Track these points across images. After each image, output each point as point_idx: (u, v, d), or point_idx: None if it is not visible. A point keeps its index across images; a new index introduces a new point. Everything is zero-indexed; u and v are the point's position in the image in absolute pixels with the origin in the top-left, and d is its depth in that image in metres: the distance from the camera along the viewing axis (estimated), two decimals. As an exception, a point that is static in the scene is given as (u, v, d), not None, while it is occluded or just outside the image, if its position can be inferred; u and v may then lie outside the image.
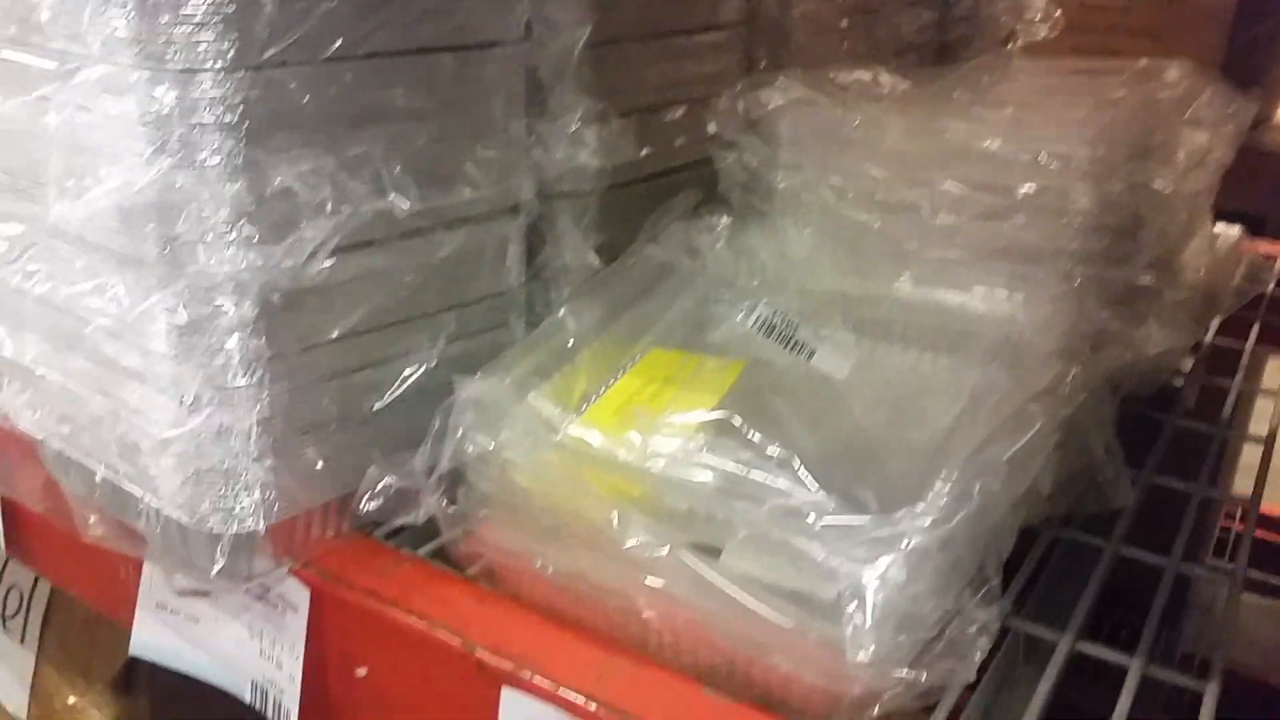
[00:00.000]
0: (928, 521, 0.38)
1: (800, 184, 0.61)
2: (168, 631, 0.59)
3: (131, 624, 0.60)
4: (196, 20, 0.41)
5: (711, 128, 0.61)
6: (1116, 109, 0.56)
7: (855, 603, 0.38)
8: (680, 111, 0.68)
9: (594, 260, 0.63)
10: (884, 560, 0.37)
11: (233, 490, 0.49)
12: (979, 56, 1.06)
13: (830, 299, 0.59)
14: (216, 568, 0.50)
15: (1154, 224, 0.57)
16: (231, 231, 0.44)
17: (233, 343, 0.45)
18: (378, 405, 0.54)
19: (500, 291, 0.59)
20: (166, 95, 0.41)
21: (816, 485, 0.43)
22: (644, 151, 0.59)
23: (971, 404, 0.47)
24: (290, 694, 0.54)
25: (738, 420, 0.49)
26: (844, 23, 0.84)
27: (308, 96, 0.45)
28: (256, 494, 0.49)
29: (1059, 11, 1.14)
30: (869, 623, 0.37)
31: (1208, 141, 0.59)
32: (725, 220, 0.61)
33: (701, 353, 0.59)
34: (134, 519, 0.54)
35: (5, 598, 0.93)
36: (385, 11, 0.47)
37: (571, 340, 0.54)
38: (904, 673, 0.39)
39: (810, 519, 0.40)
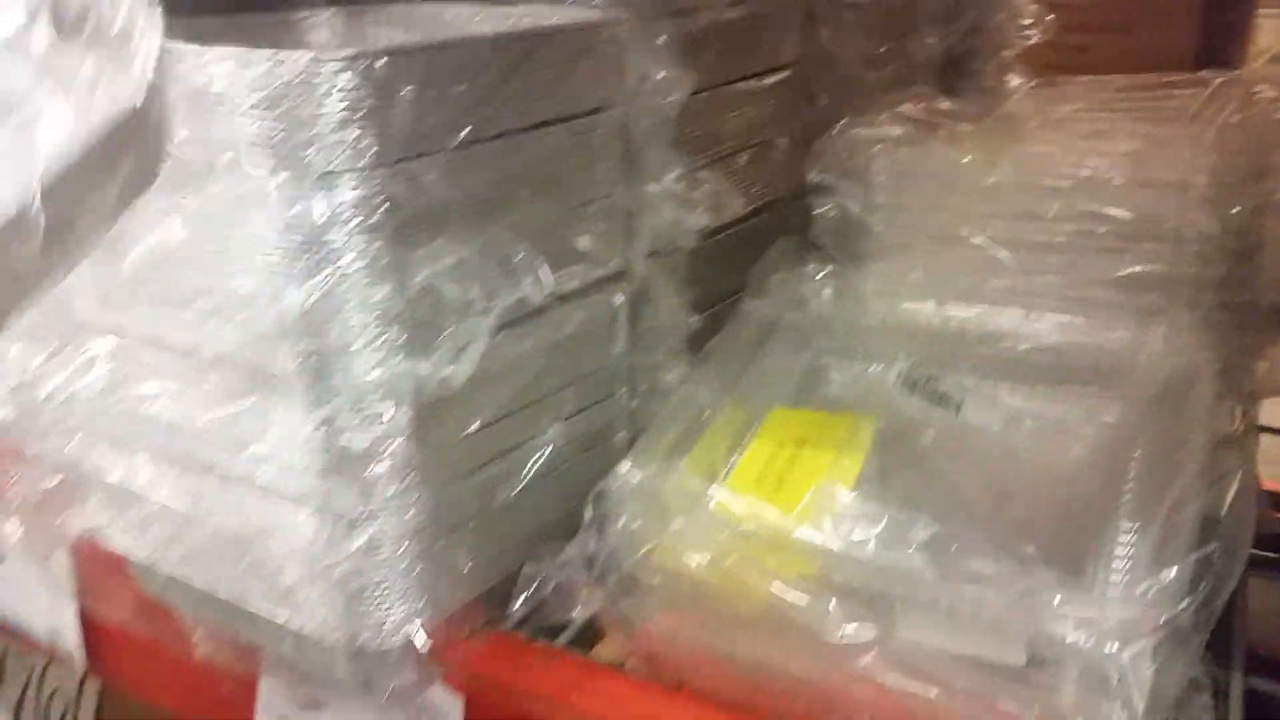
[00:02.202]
0: (1179, 599, 0.36)
1: (904, 225, 0.59)
2: (290, 747, 0.55)
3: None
4: (337, 119, 0.38)
5: (812, 174, 0.59)
6: (1229, 131, 0.56)
7: (1112, 685, 0.36)
8: (750, 156, 0.66)
9: (690, 319, 0.60)
10: (1142, 641, 0.36)
11: (385, 603, 0.45)
12: (984, 68, 1.05)
13: (950, 341, 0.58)
14: (366, 682, 0.47)
15: (1272, 245, 0.56)
16: (381, 337, 0.41)
17: (387, 452, 0.42)
18: (512, 494, 0.51)
19: (608, 362, 0.57)
20: (308, 200, 0.38)
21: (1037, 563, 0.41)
22: (746, 197, 0.57)
23: (1146, 448, 0.46)
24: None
25: (897, 482, 0.47)
26: (882, 48, 0.83)
27: (444, 187, 0.42)
28: (409, 604, 0.46)
29: (1050, 15, 1.14)
30: (1131, 706, 0.35)
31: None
32: (828, 268, 0.59)
33: (822, 407, 0.57)
34: (257, 637, 0.50)
35: (49, 702, 0.88)
36: (508, 89, 0.45)
37: (705, 413, 0.52)
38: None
39: (1052, 599, 0.38)
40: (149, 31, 0.30)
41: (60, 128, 0.29)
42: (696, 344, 0.60)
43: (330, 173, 0.39)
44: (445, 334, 0.42)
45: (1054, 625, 0.37)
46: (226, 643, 0.54)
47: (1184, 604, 0.36)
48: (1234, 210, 0.55)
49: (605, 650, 0.54)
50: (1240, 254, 0.55)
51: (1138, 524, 0.41)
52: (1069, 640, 0.37)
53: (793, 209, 0.70)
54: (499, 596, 0.53)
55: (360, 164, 0.39)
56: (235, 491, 0.46)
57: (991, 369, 0.56)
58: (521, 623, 0.55)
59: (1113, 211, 0.56)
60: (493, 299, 0.44)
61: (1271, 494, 0.78)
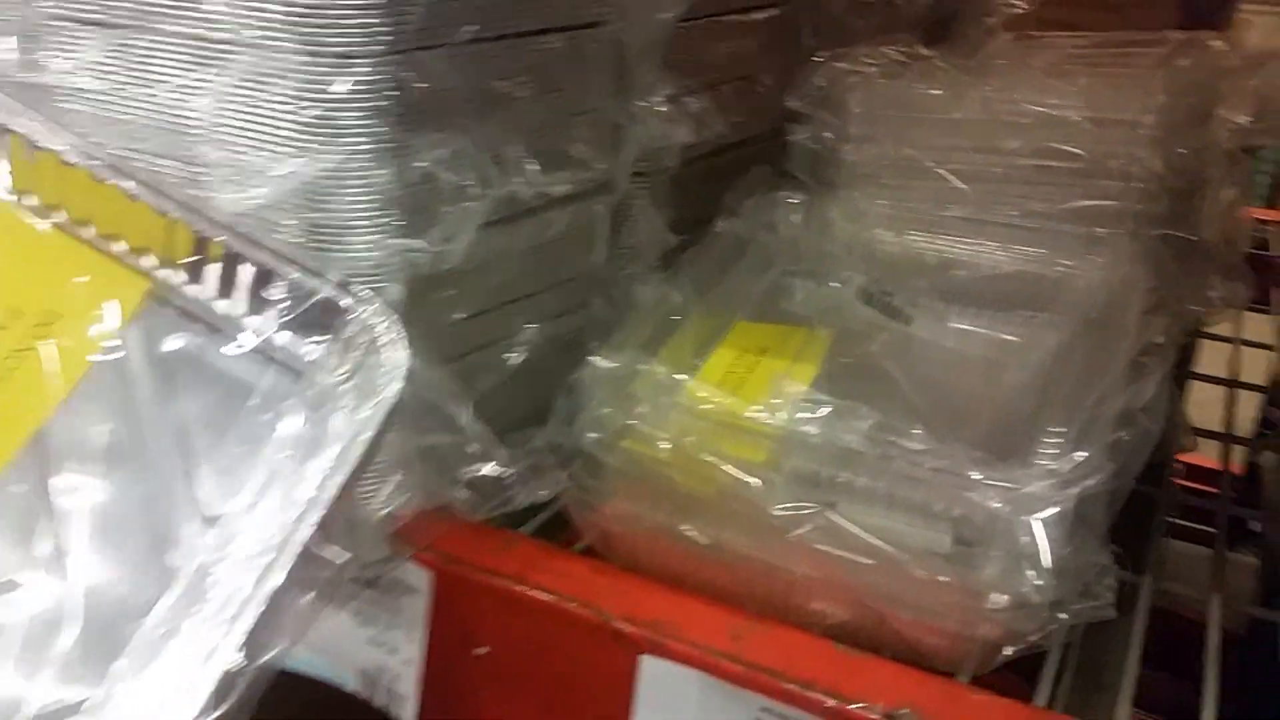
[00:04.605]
0: (1091, 473, 0.40)
1: (873, 156, 0.63)
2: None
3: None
4: (358, 5, 0.41)
5: (790, 101, 0.62)
6: (1177, 76, 0.59)
7: (1021, 550, 0.40)
8: (734, 89, 0.70)
9: (669, 238, 0.64)
10: (1051, 511, 0.40)
11: (372, 475, 0.49)
12: (967, 31, 1.09)
13: (909, 267, 0.61)
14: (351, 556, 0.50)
15: (1210, 186, 0.60)
16: (381, 216, 0.44)
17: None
18: (490, 386, 0.54)
19: (587, 271, 0.60)
20: (326, 79, 0.41)
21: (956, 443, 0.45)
22: (729, 126, 0.60)
23: (1078, 359, 0.50)
24: (407, 678, 0.55)
25: (848, 383, 0.51)
26: (871, -1, 0.86)
27: (448, 79, 0.45)
28: (393, 479, 0.49)
29: (1038, -15, 1.17)
30: (1041, 569, 0.39)
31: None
32: (800, 196, 0.63)
33: (784, 322, 0.61)
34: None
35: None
36: (514, -5, 0.48)
37: (677, 315, 0.55)
38: (1063, 615, 0.42)
39: (974, 474, 0.42)
40: None
41: None
42: (672, 264, 0.64)
43: (347, 55, 0.42)
44: (436, 219, 0.45)
45: (975, 497, 0.41)
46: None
47: (1096, 478, 0.40)
48: (1179, 151, 0.58)
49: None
50: (1181, 193, 0.59)
51: (1061, 416, 0.45)
52: (989, 507, 0.41)
53: (772, 146, 0.74)
54: (474, 484, 0.57)
55: (375, 49, 0.42)
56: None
57: (944, 294, 0.59)
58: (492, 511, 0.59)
59: (1067, 147, 0.59)
60: (485, 190, 0.47)
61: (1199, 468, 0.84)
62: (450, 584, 0.53)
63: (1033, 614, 0.43)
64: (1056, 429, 0.44)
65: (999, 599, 0.44)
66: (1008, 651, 0.45)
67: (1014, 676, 0.46)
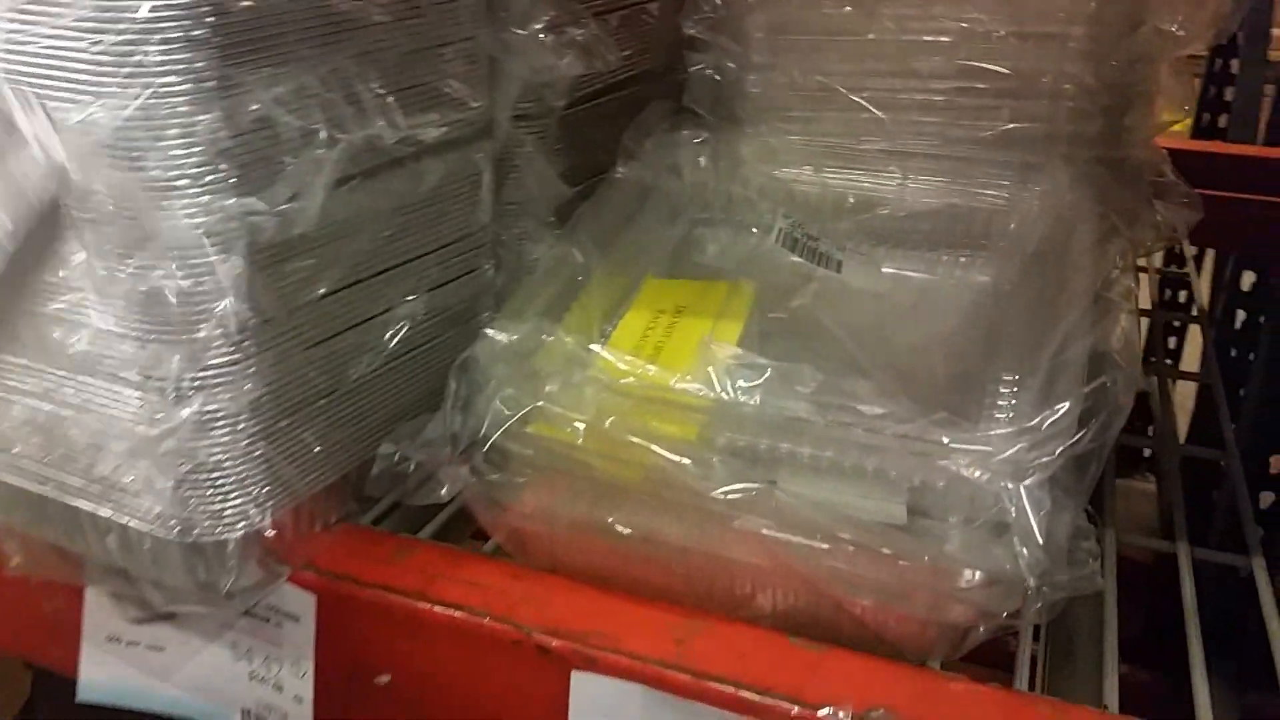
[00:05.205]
0: (1073, 433, 0.35)
1: (781, 85, 0.56)
2: (124, 667, 0.49)
3: (70, 665, 0.51)
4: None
5: (686, 25, 0.55)
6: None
7: (1008, 523, 0.35)
8: (621, 18, 0.62)
9: (563, 189, 0.56)
10: (1036, 477, 0.34)
11: (222, 490, 0.40)
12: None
13: (830, 207, 0.55)
14: (203, 583, 0.42)
15: (1143, 101, 0.56)
16: (208, 173, 0.35)
17: (218, 312, 0.37)
18: (367, 371, 0.46)
19: (472, 230, 0.52)
20: (119, 3, 0.32)
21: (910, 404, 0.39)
22: (620, 58, 0.53)
23: (1031, 299, 0.45)
24: (298, 716, 0.47)
25: (780, 342, 0.45)
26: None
27: (276, 2, 0.36)
28: (250, 490, 0.41)
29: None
30: (1031, 542, 0.34)
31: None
32: (704, 134, 0.56)
33: (699, 276, 0.55)
34: (79, 540, 0.44)
35: None
36: (350, -103, 0.39)
37: (579, 276, 0.48)
38: (1048, 590, 0.36)
39: (941, 438, 0.36)
40: None
41: None
42: (566, 219, 0.56)
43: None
44: (284, 171, 0.37)
45: (945, 465, 0.35)
46: (45, 551, 0.48)
47: (1079, 436, 0.35)
48: (1111, 64, 0.54)
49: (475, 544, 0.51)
50: (1113, 110, 0.54)
51: (1022, 366, 0.40)
52: (964, 477, 0.35)
53: (668, 81, 0.67)
54: (357, 487, 0.49)
55: (181, -39, 0.33)
56: (44, 363, 0.40)
57: (871, 235, 0.54)
58: (384, 515, 0.51)
59: (991, 66, 0.54)
60: (338, 136, 0.39)
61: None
62: (337, 605, 0.46)
63: (1010, 591, 0.38)
64: (1018, 379, 0.39)
65: (972, 576, 0.38)
66: (981, 633, 0.40)
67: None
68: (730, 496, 0.39)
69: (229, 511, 0.41)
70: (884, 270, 0.50)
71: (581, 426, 0.41)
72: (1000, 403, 0.41)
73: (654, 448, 0.41)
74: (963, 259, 0.51)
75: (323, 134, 0.38)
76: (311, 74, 0.38)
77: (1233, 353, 1.05)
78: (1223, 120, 1.33)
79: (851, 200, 0.55)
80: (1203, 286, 1.01)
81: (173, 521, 0.40)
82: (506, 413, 0.42)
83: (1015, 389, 0.40)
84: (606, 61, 0.51)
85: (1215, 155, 0.91)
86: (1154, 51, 0.55)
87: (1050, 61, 0.53)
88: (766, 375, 0.40)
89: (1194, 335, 1.25)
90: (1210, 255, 1.18)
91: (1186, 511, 0.53)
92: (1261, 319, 1.03)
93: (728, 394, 0.40)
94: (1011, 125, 0.54)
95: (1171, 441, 0.70)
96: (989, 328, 0.46)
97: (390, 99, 0.42)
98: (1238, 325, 1.05)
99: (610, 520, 0.42)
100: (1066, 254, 0.47)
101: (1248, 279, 1.05)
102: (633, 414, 0.42)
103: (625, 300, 0.52)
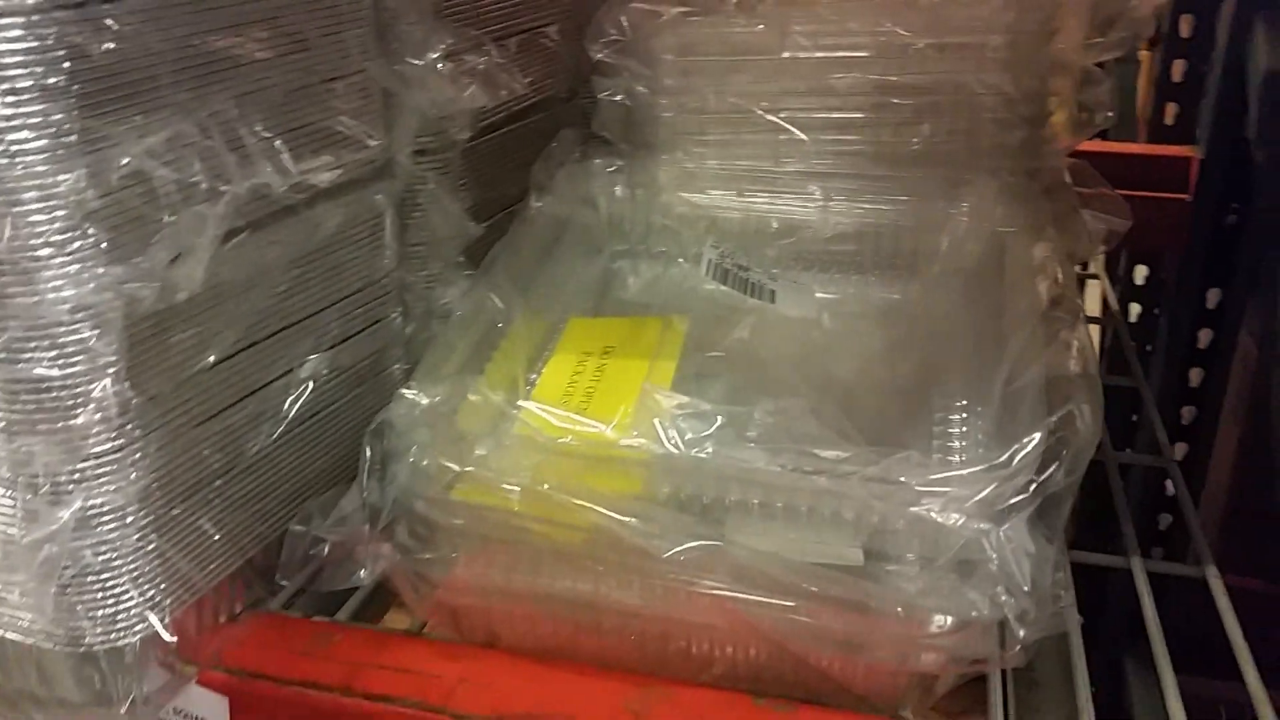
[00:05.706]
0: (1045, 465, 0.33)
1: (694, 109, 0.54)
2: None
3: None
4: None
5: (592, 49, 0.52)
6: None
7: (990, 563, 0.32)
8: (520, 43, 0.59)
9: (471, 227, 0.53)
10: (1015, 519, 0.32)
11: (112, 591, 0.36)
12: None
13: (755, 234, 0.53)
14: (100, 694, 0.37)
15: (1060, 111, 0.55)
16: (75, 240, 0.31)
17: (95, 395, 0.32)
18: (268, 444, 0.42)
19: (376, 278, 0.48)
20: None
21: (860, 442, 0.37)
22: (524, 86, 0.50)
23: (968, 325, 0.43)
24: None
25: (718, 381, 0.42)
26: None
27: (147, 41, 0.32)
28: (144, 589, 0.36)
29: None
30: (1016, 587, 0.32)
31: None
32: (618, 162, 0.53)
33: (626, 313, 0.52)
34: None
35: None
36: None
37: (499, 322, 0.45)
38: (1024, 633, 0.34)
39: (909, 480, 0.33)
40: None
41: None
42: (477, 259, 0.52)
43: (-15, 12, 0.28)
44: (162, 230, 0.32)
45: (914, 510, 0.33)
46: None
47: (1051, 471, 0.33)
48: (1030, 72, 0.53)
49: (399, 619, 0.46)
50: (1033, 120, 0.53)
51: (971, 394, 0.38)
52: (931, 520, 0.33)
53: (575, 108, 0.64)
54: (263, 570, 0.44)
55: (27, 3, 0.29)
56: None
57: (798, 259, 0.52)
58: (294, 598, 0.46)
59: (910, 79, 0.52)
60: (221, 187, 0.35)
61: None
62: (253, 706, 0.41)
63: (983, 634, 0.36)
64: (968, 407, 0.37)
65: (944, 622, 0.36)
66: (952, 679, 0.38)
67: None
68: (677, 553, 0.36)
69: (122, 615, 0.36)
70: (816, 295, 0.48)
71: (517, 490, 0.38)
72: (953, 431, 0.39)
73: (597, 508, 0.37)
74: (895, 281, 0.49)
75: (204, 186, 0.34)
76: (188, 120, 0.34)
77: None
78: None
79: (775, 225, 0.53)
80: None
81: (59, 632, 0.35)
82: (428, 480, 0.38)
83: (967, 418, 0.38)
84: (511, 89, 0.48)
85: (1104, 155, 0.93)
86: (1071, 58, 0.54)
87: (970, 72, 0.52)
88: (718, 424, 0.37)
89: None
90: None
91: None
92: (1156, 311, 1.04)
93: (678, 448, 0.37)
94: (934, 139, 0.53)
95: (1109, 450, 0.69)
96: (931, 353, 0.44)
97: (277, 142, 0.38)
98: (1133, 319, 1.07)
99: (550, 588, 0.39)
100: (1003, 271, 0.45)
101: (1140, 273, 1.07)
102: (571, 473, 0.39)
103: (549, 344, 0.48)
